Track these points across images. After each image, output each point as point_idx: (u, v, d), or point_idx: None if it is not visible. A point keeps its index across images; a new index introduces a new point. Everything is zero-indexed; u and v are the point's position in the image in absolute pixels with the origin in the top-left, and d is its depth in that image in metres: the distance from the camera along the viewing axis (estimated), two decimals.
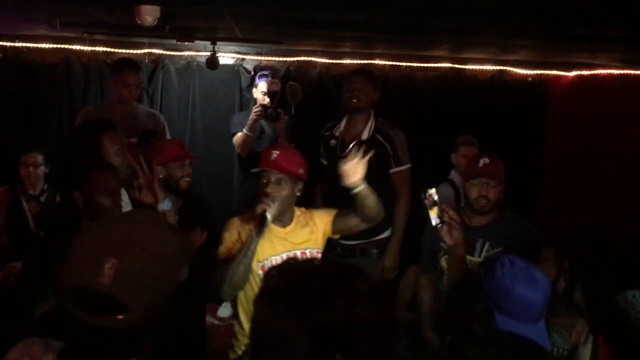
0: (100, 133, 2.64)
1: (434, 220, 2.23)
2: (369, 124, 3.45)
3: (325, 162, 3.64)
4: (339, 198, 2.80)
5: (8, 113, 4.61)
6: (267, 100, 3.99)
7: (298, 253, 2.51)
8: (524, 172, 4.87)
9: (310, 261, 2.46)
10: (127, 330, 1.11)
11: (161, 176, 2.64)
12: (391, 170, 3.43)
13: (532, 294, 1.72)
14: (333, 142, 3.53)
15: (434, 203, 2.22)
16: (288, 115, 3.90)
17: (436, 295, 2.80)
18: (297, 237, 2.53)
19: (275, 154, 2.43)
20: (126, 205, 2.66)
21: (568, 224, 4.47)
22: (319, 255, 2.56)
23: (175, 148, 2.78)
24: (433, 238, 2.65)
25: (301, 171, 2.47)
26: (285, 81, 4.25)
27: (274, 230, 2.49)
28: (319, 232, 2.58)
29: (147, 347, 1.20)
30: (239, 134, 4.01)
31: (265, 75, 4.17)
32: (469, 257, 2.54)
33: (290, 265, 1.12)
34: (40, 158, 3.98)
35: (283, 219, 2.50)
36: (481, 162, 2.64)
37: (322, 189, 3.67)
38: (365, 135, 3.42)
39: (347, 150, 3.22)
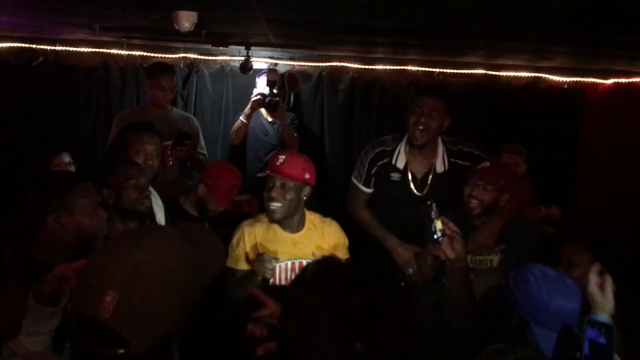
0: (129, 132, 2.78)
1: (436, 233, 2.19)
2: (440, 153, 3.00)
3: (368, 190, 3.11)
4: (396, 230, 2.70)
5: (47, 115, 4.73)
6: (266, 90, 4.03)
7: (304, 262, 2.38)
8: (557, 179, 4.79)
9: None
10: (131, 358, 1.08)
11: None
12: None
13: (569, 304, 1.70)
14: (397, 176, 3.01)
15: (437, 215, 2.20)
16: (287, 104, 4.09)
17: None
18: (305, 246, 2.45)
19: (281, 158, 2.38)
20: (159, 209, 2.72)
21: (602, 232, 4.38)
22: None
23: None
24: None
25: (307, 176, 2.41)
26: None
27: (281, 235, 2.43)
28: (328, 249, 2.49)
29: None
30: (237, 122, 4.10)
31: (263, 73, 4.25)
32: (474, 255, 2.62)
33: (327, 259, 1.19)
34: (67, 158, 3.92)
35: (291, 224, 2.45)
36: (482, 165, 2.73)
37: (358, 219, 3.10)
38: (440, 168, 2.99)
39: (424, 188, 2.99)
